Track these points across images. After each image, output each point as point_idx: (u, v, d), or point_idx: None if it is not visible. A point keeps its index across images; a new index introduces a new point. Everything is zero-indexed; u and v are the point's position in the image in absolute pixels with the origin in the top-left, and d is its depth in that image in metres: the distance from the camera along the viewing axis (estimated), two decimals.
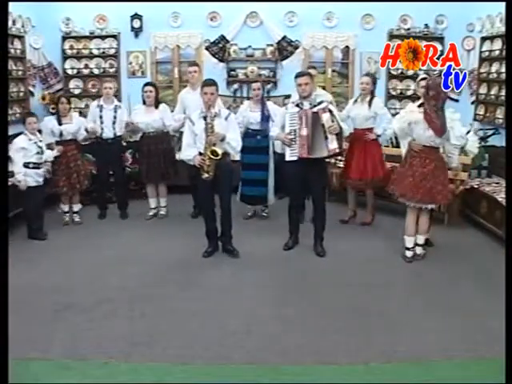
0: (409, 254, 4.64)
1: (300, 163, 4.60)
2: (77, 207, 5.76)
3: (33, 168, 5.07)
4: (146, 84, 5.82)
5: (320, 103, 4.67)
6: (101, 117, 5.71)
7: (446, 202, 4.74)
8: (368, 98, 5.37)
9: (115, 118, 5.72)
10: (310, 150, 4.56)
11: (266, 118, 5.46)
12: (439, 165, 4.44)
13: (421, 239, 4.65)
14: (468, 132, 5.59)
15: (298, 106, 4.66)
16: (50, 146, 5.36)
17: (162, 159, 5.75)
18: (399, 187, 4.54)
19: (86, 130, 5.68)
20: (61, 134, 5.44)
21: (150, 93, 5.67)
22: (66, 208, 5.69)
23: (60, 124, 5.43)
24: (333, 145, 4.54)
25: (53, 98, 6.63)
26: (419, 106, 4.46)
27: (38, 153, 5.09)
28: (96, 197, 6.14)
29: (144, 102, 5.73)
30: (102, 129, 5.71)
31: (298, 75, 4.74)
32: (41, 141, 5.18)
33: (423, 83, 4.65)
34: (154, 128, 5.70)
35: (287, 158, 4.64)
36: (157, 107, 5.71)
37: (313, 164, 4.62)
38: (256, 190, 5.63)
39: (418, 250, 4.66)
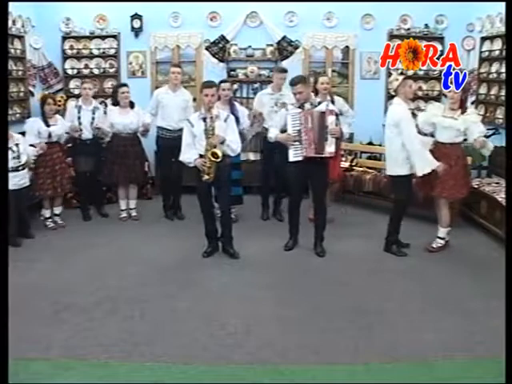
0: (442, 242, 4.89)
1: (303, 163, 4.61)
2: (58, 210, 5.63)
3: (11, 171, 4.86)
4: (122, 85, 5.78)
5: (320, 103, 4.70)
6: (79, 118, 5.66)
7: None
8: (329, 98, 5.41)
9: (93, 119, 5.68)
10: (319, 149, 4.57)
11: (236, 118, 5.45)
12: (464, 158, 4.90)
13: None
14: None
15: (299, 107, 4.67)
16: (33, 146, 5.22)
17: (137, 161, 5.75)
18: (446, 188, 4.71)
19: (67, 132, 5.61)
20: (49, 136, 5.34)
21: (127, 93, 5.66)
22: (47, 213, 5.56)
23: (47, 125, 5.33)
24: (331, 148, 4.58)
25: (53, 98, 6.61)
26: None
27: (13, 158, 4.91)
28: (92, 197, 6.10)
29: (117, 103, 5.68)
30: (81, 130, 5.64)
31: (291, 83, 4.71)
32: (17, 144, 4.97)
33: (411, 82, 4.71)
34: (131, 129, 5.67)
35: (291, 159, 4.63)
36: (132, 108, 5.70)
37: (315, 164, 4.63)
38: (232, 190, 5.58)
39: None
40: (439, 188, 4.73)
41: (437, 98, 7.25)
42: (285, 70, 5.80)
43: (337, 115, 4.61)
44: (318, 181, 4.74)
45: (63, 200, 5.73)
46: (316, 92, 5.39)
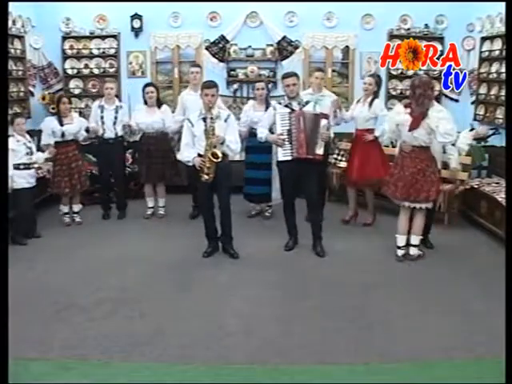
0: (400, 252, 4.64)
1: (294, 163, 4.63)
2: (77, 207, 5.74)
3: (24, 169, 4.99)
4: (148, 85, 5.80)
5: (307, 103, 4.72)
6: (102, 117, 5.68)
7: (434, 199, 4.65)
8: (369, 99, 5.37)
9: (116, 118, 5.70)
10: (309, 149, 4.58)
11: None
12: (429, 164, 4.45)
13: (415, 239, 4.62)
14: (471, 130, 5.64)
15: (287, 106, 4.69)
16: (47, 147, 5.30)
17: (161, 160, 5.74)
18: (391, 188, 4.56)
19: (87, 131, 5.67)
20: (62, 135, 5.40)
21: (151, 93, 5.67)
22: (65, 209, 5.66)
23: (61, 124, 5.39)
24: (320, 150, 4.63)
25: (53, 97, 6.62)
26: (405, 106, 4.43)
27: (27, 153, 5.01)
28: (98, 197, 6.14)
29: (145, 103, 5.72)
30: (104, 129, 5.69)
31: (285, 76, 4.76)
32: (30, 141, 5.12)
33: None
34: (154, 129, 5.69)
35: (280, 158, 4.67)
36: (158, 108, 5.72)
37: (306, 164, 4.64)
38: (260, 189, 5.68)
39: (412, 251, 4.63)
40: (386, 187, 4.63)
41: (437, 98, 7.24)
42: (320, 69, 5.82)
43: (328, 118, 4.67)
44: (309, 180, 4.73)
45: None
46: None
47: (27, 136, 5.16)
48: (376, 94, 5.39)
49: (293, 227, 4.96)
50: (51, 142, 5.36)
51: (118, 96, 7.05)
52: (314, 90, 5.68)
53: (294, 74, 4.78)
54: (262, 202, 5.89)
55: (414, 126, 4.30)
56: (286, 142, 4.62)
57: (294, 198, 4.89)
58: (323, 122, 4.62)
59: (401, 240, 4.63)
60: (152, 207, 5.99)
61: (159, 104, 5.75)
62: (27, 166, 5.03)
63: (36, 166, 5.21)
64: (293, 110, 4.65)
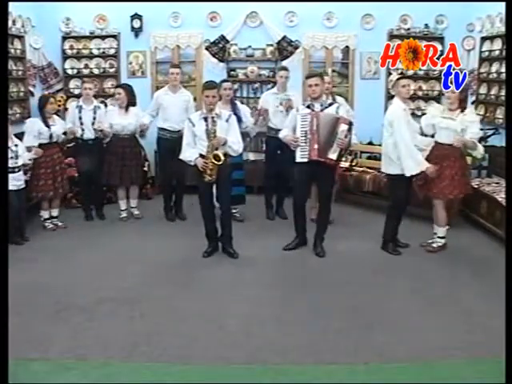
0: (442, 241, 4.86)
1: (307, 165, 4.60)
2: (55, 212, 5.58)
3: (8, 173, 4.82)
4: (117, 86, 5.77)
5: (331, 104, 4.70)
6: (80, 118, 5.61)
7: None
8: (330, 97, 5.39)
9: (94, 118, 5.62)
10: (322, 152, 4.54)
11: (237, 118, 5.44)
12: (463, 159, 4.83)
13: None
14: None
15: (308, 107, 4.65)
16: (29, 149, 5.16)
17: (134, 162, 5.71)
18: (447, 188, 4.68)
19: (64, 133, 5.56)
20: (50, 137, 5.30)
21: (118, 95, 5.63)
22: (46, 214, 5.51)
23: (47, 126, 5.28)
24: (333, 155, 4.55)
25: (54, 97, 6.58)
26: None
27: (11, 157, 4.85)
28: (92, 198, 6.05)
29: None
30: (83, 130, 5.61)
31: (308, 76, 4.75)
32: (16, 145, 4.95)
33: (404, 82, 4.68)
34: (129, 131, 5.64)
35: (297, 160, 4.62)
36: (127, 110, 5.61)
37: (321, 166, 4.60)
38: (233, 190, 5.44)
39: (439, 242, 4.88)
40: (436, 188, 4.70)
41: (437, 98, 7.25)
42: (285, 68, 5.85)
43: (350, 124, 4.54)
44: (323, 182, 4.74)
45: (63, 200, 5.70)
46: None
47: (14, 139, 4.98)
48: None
49: (302, 228, 4.93)
50: (35, 144, 5.21)
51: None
52: (278, 90, 5.73)
53: (317, 74, 4.74)
54: (236, 204, 5.68)
55: None
56: (303, 144, 4.57)
57: (305, 198, 4.86)
58: (342, 126, 4.50)
59: (444, 231, 4.87)
60: (125, 209, 5.90)
61: (128, 106, 5.61)
62: (11, 170, 4.83)
63: (23, 168, 5.06)
64: (313, 111, 4.60)
